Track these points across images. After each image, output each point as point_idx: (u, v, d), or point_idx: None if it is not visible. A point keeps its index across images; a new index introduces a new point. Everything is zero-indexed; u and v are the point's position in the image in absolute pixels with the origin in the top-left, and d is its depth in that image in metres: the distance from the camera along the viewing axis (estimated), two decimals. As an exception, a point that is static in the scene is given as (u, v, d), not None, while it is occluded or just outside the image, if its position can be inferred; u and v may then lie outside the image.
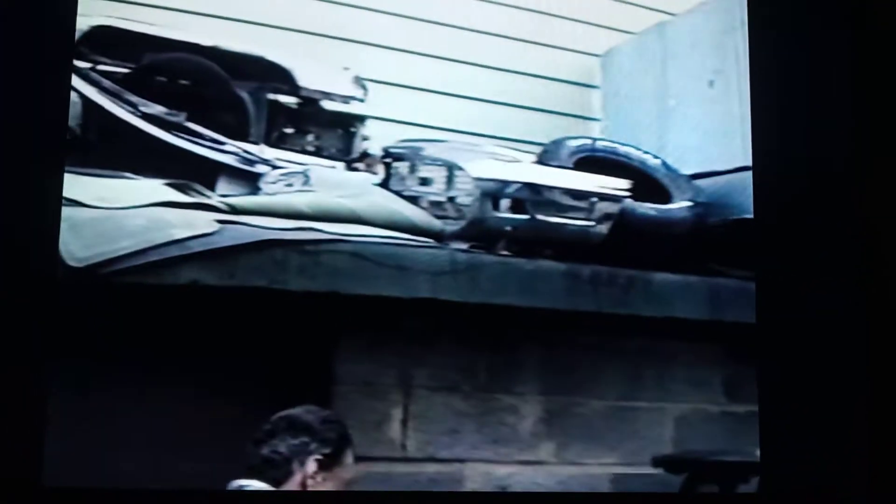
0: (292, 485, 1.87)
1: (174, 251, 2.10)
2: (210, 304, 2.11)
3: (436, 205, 2.37)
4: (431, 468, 2.17)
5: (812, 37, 2.32)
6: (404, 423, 2.18)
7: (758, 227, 2.26)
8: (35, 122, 2.01)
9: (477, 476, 2.18)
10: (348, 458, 1.90)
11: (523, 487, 2.19)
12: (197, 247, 2.12)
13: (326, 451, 1.88)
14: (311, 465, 1.87)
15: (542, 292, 2.32)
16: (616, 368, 2.33)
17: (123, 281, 2.07)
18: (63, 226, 2.04)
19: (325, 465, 1.88)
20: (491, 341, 2.26)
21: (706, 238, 2.50)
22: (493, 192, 2.38)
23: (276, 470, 1.87)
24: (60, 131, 2.04)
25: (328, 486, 1.89)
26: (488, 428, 2.22)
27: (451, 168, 2.38)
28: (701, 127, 2.61)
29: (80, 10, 2.19)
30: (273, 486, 1.88)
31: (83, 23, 2.25)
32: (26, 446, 1.89)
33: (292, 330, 2.15)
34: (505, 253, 2.33)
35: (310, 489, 1.87)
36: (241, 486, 1.87)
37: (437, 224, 2.33)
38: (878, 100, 2.30)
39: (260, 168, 2.33)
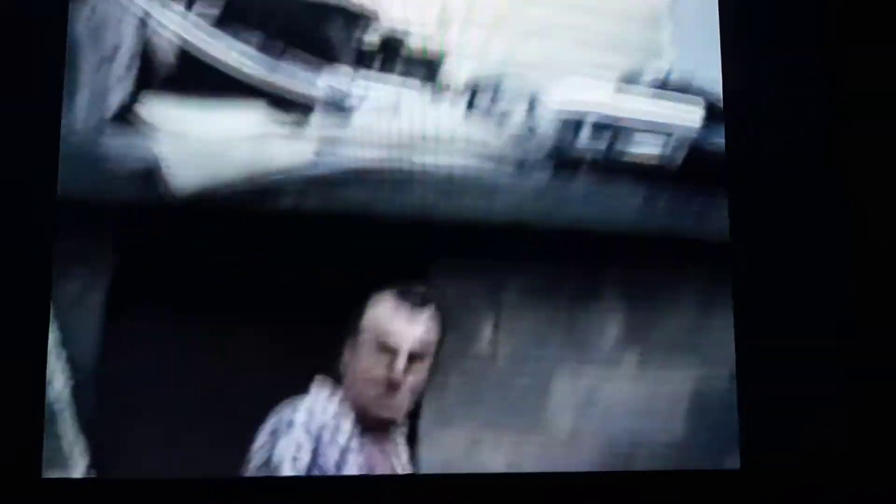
0: None
1: (276, 179, 2.24)
2: (310, 230, 2.24)
3: (517, 134, 2.47)
4: (520, 377, 2.30)
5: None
6: (494, 336, 2.30)
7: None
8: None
9: (564, 385, 2.30)
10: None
11: (608, 396, 2.32)
12: (296, 175, 2.25)
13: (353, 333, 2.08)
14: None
15: (621, 214, 2.42)
16: (692, 285, 2.43)
17: (228, 208, 2.21)
18: (168, 157, 2.19)
19: None
20: (574, 261, 2.37)
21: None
22: (572, 122, 2.47)
23: None
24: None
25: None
26: (574, 341, 2.33)
27: (532, 98, 2.47)
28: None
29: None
30: None
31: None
32: (26, 438, 2.01)
33: (386, 253, 2.28)
34: (585, 180, 2.43)
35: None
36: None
37: (519, 152, 2.43)
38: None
39: (351, 101, 2.44)
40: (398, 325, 2.11)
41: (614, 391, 2.33)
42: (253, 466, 2.01)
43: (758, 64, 2.53)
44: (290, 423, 2.03)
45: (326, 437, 2.04)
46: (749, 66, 2.52)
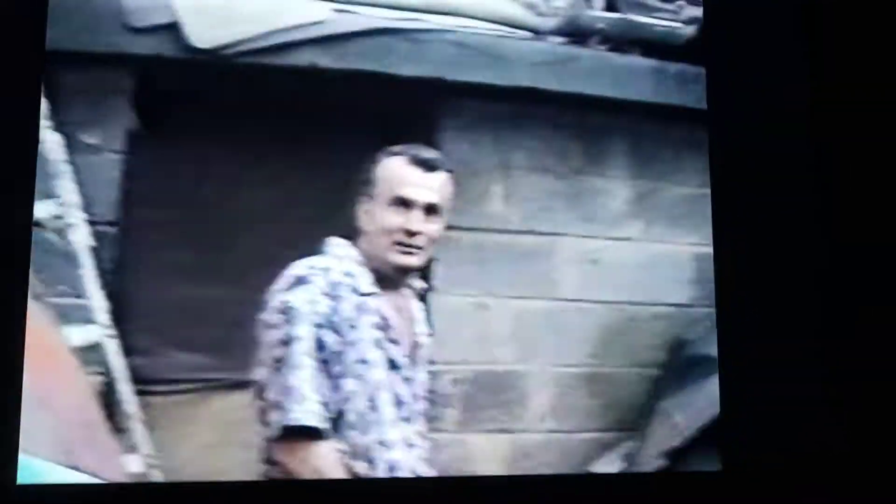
0: None
1: (293, 35, 2.25)
2: (323, 87, 2.27)
3: (531, 1, 2.48)
4: (528, 240, 2.35)
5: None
6: (504, 198, 2.35)
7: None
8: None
9: (570, 248, 2.36)
10: None
11: (613, 260, 2.38)
12: (314, 32, 2.26)
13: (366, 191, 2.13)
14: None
15: (631, 86, 2.45)
16: (697, 159, 2.47)
17: (245, 62, 2.23)
18: (188, 11, 2.19)
19: None
20: (584, 129, 2.41)
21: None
22: (585, -8, 2.49)
23: None
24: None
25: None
26: (581, 206, 2.39)
27: (546, -34, 2.48)
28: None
29: None
30: None
31: None
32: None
33: (398, 113, 2.31)
34: (597, 48, 2.46)
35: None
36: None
37: (534, 19, 2.45)
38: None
39: (368, -39, 2.43)
40: (413, 179, 2.14)
41: (619, 256, 2.39)
42: (269, 311, 2.04)
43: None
44: (305, 278, 2.06)
45: (342, 290, 2.08)
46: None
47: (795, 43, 2.50)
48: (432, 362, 2.20)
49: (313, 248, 2.14)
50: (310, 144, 2.26)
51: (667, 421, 2.34)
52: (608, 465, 2.31)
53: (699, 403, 2.36)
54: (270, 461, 2.00)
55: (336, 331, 2.00)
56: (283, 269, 2.10)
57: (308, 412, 1.95)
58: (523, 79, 2.37)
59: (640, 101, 2.44)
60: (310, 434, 1.95)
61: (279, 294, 2.02)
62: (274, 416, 1.96)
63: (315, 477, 1.98)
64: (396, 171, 2.13)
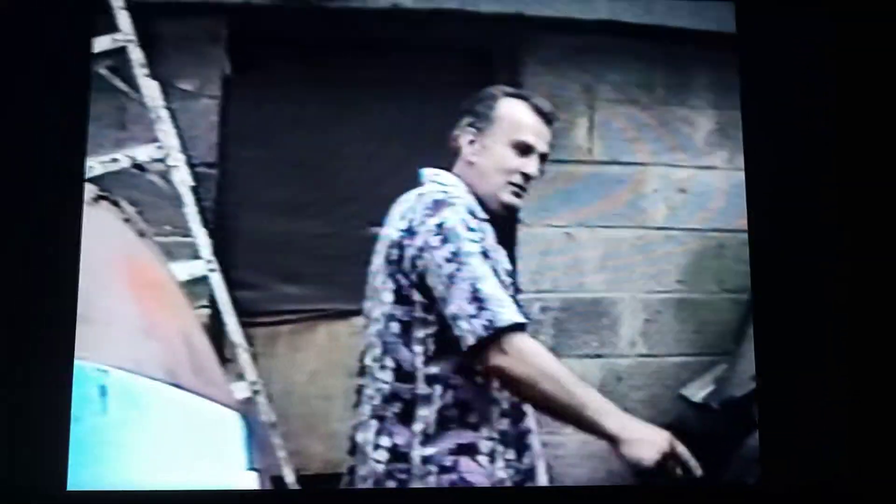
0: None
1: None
2: (408, 26, 2.32)
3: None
4: (615, 170, 2.38)
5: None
6: (590, 130, 2.38)
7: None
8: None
9: (656, 178, 2.39)
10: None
11: (700, 187, 2.40)
12: (395, -27, 2.31)
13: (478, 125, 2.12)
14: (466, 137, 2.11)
15: (712, 17, 2.46)
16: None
17: (331, 6, 2.29)
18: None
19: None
20: (667, 60, 2.42)
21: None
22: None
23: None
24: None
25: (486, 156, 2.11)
26: (667, 137, 2.40)
27: None
28: None
29: None
30: None
31: None
32: (51, 451, 2.01)
33: (483, 48, 2.35)
34: (678, -19, 2.46)
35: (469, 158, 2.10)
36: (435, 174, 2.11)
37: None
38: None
39: None
40: (536, 128, 2.15)
41: (705, 184, 2.40)
42: (424, 234, 2.02)
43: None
44: (447, 201, 2.05)
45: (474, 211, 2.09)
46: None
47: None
48: (519, 291, 2.21)
49: (406, 183, 2.17)
50: (397, 83, 2.31)
51: (758, 345, 2.35)
52: (700, 388, 2.33)
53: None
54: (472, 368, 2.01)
55: (483, 248, 2.02)
56: (377, 203, 2.13)
57: (514, 311, 1.97)
58: (604, 12, 2.38)
59: (720, 31, 2.43)
60: (521, 329, 1.97)
61: (427, 218, 2.02)
62: (465, 326, 1.96)
63: (533, 369, 1.98)
64: (521, 115, 2.14)
